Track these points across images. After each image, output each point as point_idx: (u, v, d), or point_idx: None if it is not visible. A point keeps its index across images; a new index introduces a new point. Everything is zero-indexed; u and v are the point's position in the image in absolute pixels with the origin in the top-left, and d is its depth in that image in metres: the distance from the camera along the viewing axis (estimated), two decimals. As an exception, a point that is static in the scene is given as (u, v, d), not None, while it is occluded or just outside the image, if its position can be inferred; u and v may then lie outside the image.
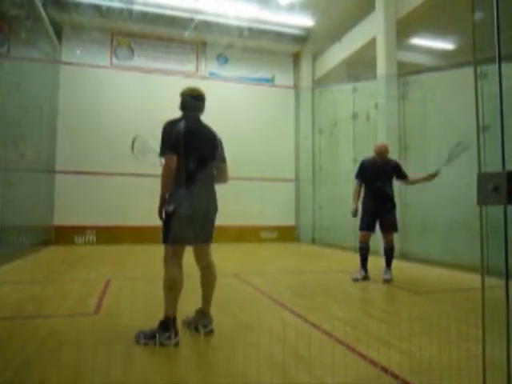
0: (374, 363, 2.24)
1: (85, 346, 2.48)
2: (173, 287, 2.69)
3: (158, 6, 9.48)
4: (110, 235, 9.52)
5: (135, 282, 4.87)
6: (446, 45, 10.04)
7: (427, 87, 7.70)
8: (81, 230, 9.54)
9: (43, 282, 4.81)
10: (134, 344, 2.54)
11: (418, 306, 3.83)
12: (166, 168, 2.69)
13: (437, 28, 9.04)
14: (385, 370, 2.14)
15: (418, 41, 9.85)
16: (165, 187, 2.69)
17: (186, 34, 9.79)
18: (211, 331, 2.84)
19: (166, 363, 2.24)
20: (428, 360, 2.31)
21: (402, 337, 2.74)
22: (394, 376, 2.08)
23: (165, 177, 2.68)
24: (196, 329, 2.85)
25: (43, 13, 8.05)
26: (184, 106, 3.04)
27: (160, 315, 2.66)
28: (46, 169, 9.05)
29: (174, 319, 2.64)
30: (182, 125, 2.84)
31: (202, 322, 2.86)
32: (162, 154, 2.75)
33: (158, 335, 2.48)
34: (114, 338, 2.65)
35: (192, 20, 9.72)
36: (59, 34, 9.65)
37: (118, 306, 3.60)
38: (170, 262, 2.72)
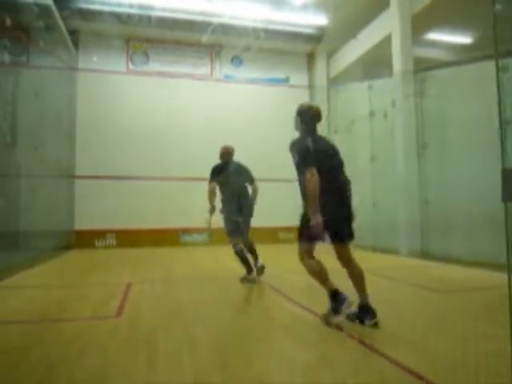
0: (397, 363, 2.20)
1: (108, 349, 2.51)
2: (315, 273, 3.07)
3: (173, 10, 9.57)
4: (129, 238, 9.65)
5: (156, 285, 4.92)
6: (463, 39, 9.83)
7: (445, 83, 7.56)
8: (101, 234, 9.70)
9: (66, 286, 4.90)
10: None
11: (440, 304, 3.75)
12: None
13: (454, 22, 8.85)
14: (408, 370, 2.10)
15: (434, 36, 9.67)
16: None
17: (204, 39, 9.86)
18: (375, 324, 2.89)
19: (189, 363, 2.25)
20: (451, 359, 2.26)
21: (425, 336, 2.70)
22: (418, 376, 2.04)
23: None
24: (361, 321, 2.93)
25: (60, 22, 8.22)
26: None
27: (181, 317, 2.66)
28: (66, 174, 9.23)
29: (335, 290, 2.96)
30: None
31: (364, 314, 2.93)
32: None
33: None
34: (137, 341, 2.68)
35: (205, 23, 9.78)
36: (76, 42, 9.84)
37: (140, 308, 3.63)
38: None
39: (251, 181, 5.01)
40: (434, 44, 9.93)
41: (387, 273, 5.60)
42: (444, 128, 7.48)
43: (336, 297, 2.93)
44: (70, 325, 3.12)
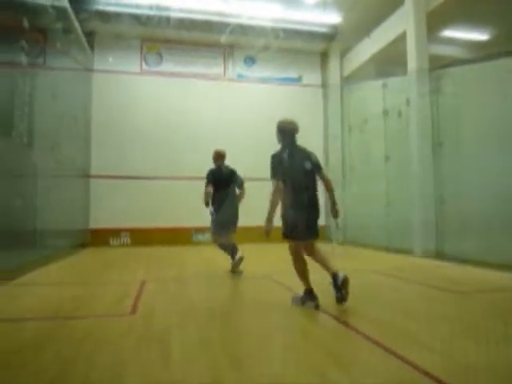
0: (413, 365, 2.18)
1: (123, 347, 2.53)
2: (299, 271, 3.65)
3: (187, 11, 9.60)
4: (143, 237, 9.74)
5: (169, 283, 4.95)
6: (480, 35, 9.66)
7: (461, 80, 7.44)
8: (116, 233, 9.82)
9: (80, 284, 4.97)
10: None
11: (456, 306, 3.70)
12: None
13: (470, 18, 8.70)
14: (425, 372, 2.07)
15: (450, 33, 9.52)
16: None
17: (222, 39, 9.93)
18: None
19: (203, 362, 2.26)
20: (468, 362, 2.23)
21: (441, 338, 2.66)
22: (434, 378, 2.01)
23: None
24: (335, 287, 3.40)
25: (76, 23, 8.34)
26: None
27: (194, 315, 2.67)
28: (82, 174, 9.36)
29: (311, 289, 3.56)
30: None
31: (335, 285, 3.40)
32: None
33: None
34: (151, 339, 2.70)
35: (219, 23, 9.83)
36: (92, 43, 9.97)
37: (154, 306, 3.66)
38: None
39: (240, 184, 5.50)
40: (450, 41, 9.79)
41: (401, 274, 5.55)
42: (460, 126, 7.36)
43: (309, 294, 3.57)
44: (83, 322, 3.16)
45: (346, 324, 3.01)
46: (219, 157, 5.54)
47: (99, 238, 9.64)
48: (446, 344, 2.54)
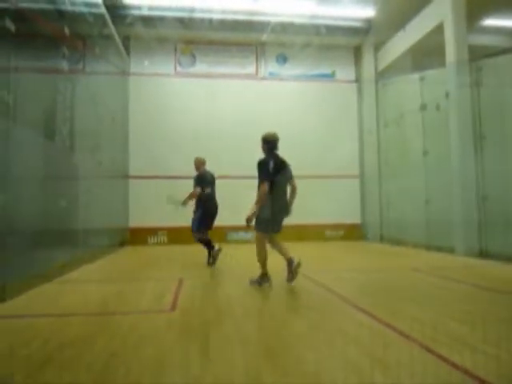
0: (456, 366, 2.11)
1: (164, 341, 2.61)
2: (261, 258, 4.43)
3: (218, 11, 9.69)
4: (179, 236, 9.91)
5: (205, 281, 5.04)
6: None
7: (504, 71, 7.12)
8: (153, 231, 10.07)
9: (122, 281, 5.14)
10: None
11: (503, 306, 3.54)
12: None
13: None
14: (469, 373, 2.00)
15: (491, 21, 9.13)
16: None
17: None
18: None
19: (241, 359, 2.28)
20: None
21: (488, 339, 2.55)
22: (480, 380, 1.94)
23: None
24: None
25: (113, 29, 8.60)
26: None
27: (231, 312, 2.69)
28: (121, 175, 9.66)
29: (266, 273, 4.45)
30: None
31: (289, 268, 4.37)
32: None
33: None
34: (190, 334, 2.76)
35: (251, 22, 9.88)
36: (127, 47, 10.26)
37: (192, 303, 3.73)
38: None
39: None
40: (491, 30, 9.37)
41: (444, 272, 5.38)
42: (503, 118, 7.04)
43: (264, 277, 4.44)
44: (128, 317, 3.27)
45: (385, 323, 2.95)
46: (201, 164, 6.34)
47: (138, 236, 9.92)
48: (492, 345, 2.44)
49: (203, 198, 6.11)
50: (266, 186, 4.21)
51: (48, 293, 4.29)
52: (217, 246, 6.20)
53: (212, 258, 6.14)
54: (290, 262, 4.29)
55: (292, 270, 4.28)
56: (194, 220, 6.22)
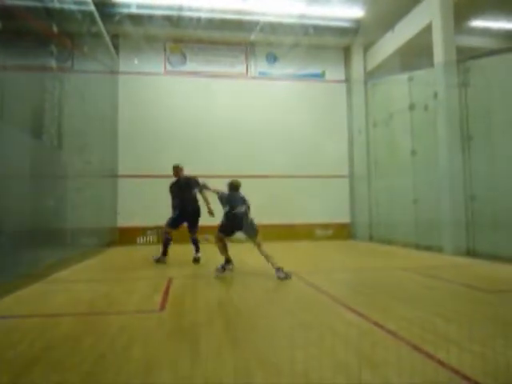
0: (443, 364, 2.14)
1: (153, 342, 2.59)
2: (219, 248, 5.44)
3: (207, 10, 9.66)
4: (169, 235, 9.86)
5: (195, 280, 5.02)
6: (509, 25, 9.34)
7: (491, 72, 7.22)
8: (142, 231, 10.01)
9: (111, 281, 5.10)
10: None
11: (490, 305, 3.60)
12: None
13: (499, 7, 8.42)
14: (456, 371, 2.03)
15: (478, 23, 9.24)
16: None
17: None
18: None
19: (231, 360, 2.28)
20: (504, 363, 2.17)
21: (474, 338, 2.59)
22: (466, 378, 1.97)
23: None
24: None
25: (102, 27, 8.52)
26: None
27: (222, 312, 2.69)
28: (110, 174, 9.57)
29: (228, 258, 5.48)
30: None
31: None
32: None
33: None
34: (181, 334, 2.75)
35: (240, 22, 9.86)
36: (117, 46, 10.17)
37: (182, 303, 3.72)
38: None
39: (200, 189, 6.38)
40: (478, 31, 9.49)
41: (432, 271, 5.44)
42: (490, 119, 7.14)
43: (227, 262, 5.43)
44: (116, 318, 3.24)
45: (374, 322, 2.98)
46: (179, 171, 6.67)
47: (126, 236, 9.84)
48: (479, 343, 2.47)
49: (174, 203, 6.64)
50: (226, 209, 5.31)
51: (36, 293, 4.24)
52: (198, 254, 6.53)
53: (157, 260, 6.56)
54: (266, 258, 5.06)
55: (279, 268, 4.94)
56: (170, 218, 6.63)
